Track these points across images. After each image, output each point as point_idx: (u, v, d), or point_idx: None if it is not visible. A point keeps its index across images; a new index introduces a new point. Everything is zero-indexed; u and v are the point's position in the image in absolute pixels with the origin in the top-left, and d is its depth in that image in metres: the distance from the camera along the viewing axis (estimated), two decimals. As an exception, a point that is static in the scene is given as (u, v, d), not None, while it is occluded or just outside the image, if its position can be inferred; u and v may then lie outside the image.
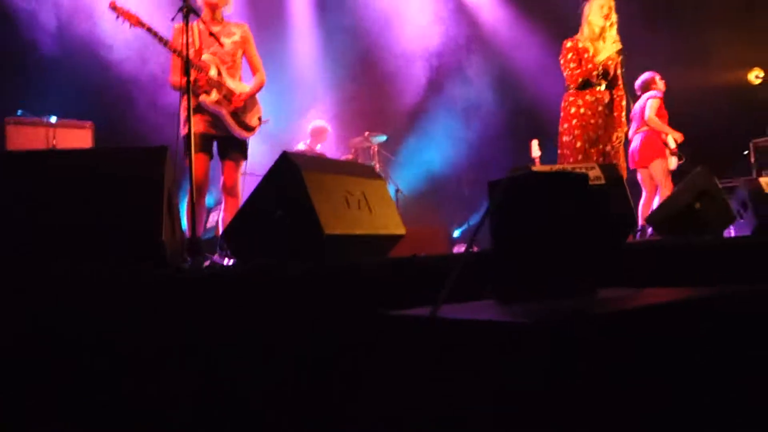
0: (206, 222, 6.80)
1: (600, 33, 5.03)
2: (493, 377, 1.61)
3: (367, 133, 8.05)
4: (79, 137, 5.71)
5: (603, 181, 3.92)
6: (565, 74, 5.14)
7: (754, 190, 4.90)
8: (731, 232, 4.97)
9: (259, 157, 8.12)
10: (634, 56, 6.57)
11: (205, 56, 4.55)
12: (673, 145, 6.60)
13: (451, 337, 1.83)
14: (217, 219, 6.92)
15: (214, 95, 4.50)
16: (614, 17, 5.03)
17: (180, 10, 3.79)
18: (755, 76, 6.70)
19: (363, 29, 9.38)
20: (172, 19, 3.90)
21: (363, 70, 9.33)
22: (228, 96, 4.57)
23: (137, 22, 4.17)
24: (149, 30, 4.20)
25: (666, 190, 6.36)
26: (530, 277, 2.25)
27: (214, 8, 4.61)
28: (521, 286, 2.26)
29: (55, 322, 2.10)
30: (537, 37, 8.96)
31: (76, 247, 2.38)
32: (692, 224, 4.26)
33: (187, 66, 3.70)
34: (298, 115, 9.13)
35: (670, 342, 1.75)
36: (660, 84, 6.89)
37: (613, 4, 5.03)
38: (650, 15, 7.84)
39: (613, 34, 5.01)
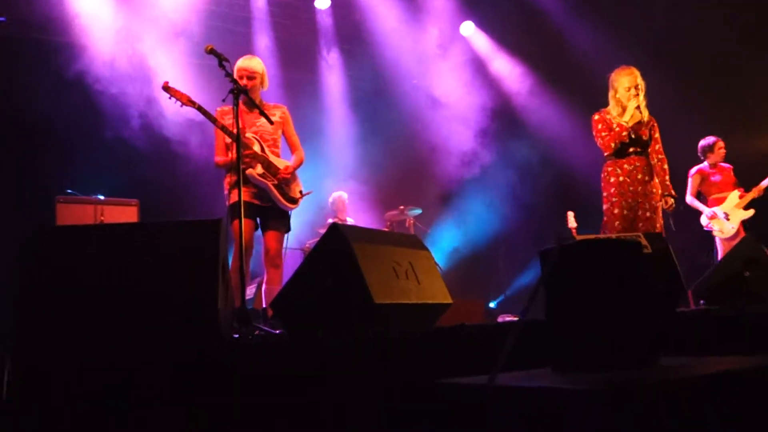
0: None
1: (622, 103, 5.14)
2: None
3: (402, 207, 8.14)
4: (125, 214, 5.86)
5: (649, 251, 3.91)
6: (599, 144, 5.24)
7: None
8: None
9: (295, 230, 8.28)
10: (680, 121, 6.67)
11: (248, 134, 4.72)
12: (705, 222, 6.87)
13: (511, 405, 1.81)
14: (255, 291, 6.97)
15: (259, 168, 4.66)
16: (642, 88, 5.13)
17: (231, 92, 3.96)
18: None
19: (396, 106, 9.60)
20: (223, 100, 4.06)
21: (399, 144, 9.50)
22: (272, 170, 4.74)
23: (188, 101, 4.39)
24: (200, 109, 4.39)
25: None
26: (585, 347, 2.23)
27: (252, 93, 4.74)
28: (576, 355, 2.24)
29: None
30: (568, 109, 9.10)
31: (138, 315, 2.43)
32: (742, 292, 4.20)
33: (238, 138, 3.83)
34: (332, 190, 9.29)
35: (729, 410, 1.71)
36: (717, 151, 6.98)
37: (639, 81, 5.14)
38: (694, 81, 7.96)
39: (639, 100, 5.10)
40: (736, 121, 7.62)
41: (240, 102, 4.49)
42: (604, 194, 5.21)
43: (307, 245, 7.76)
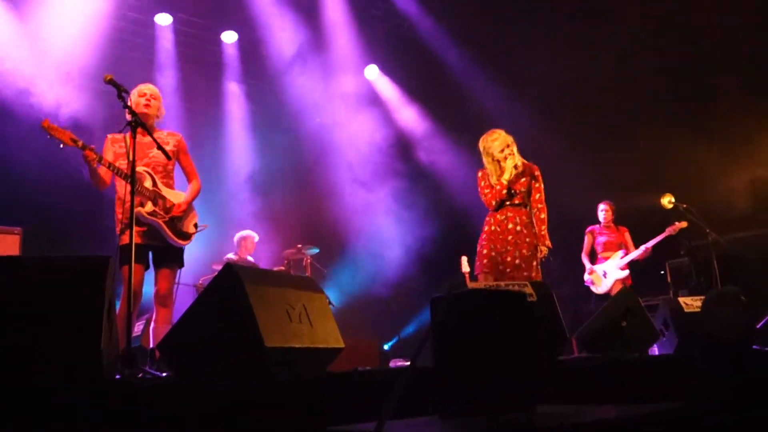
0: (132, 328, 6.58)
1: (500, 164, 5.40)
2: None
3: (300, 246, 8.10)
4: (5, 243, 5.52)
5: (535, 299, 4.07)
6: (482, 200, 5.50)
7: (675, 309, 5.14)
8: (655, 349, 5.16)
9: (189, 265, 8.07)
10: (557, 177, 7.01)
11: (138, 168, 4.45)
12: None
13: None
14: (143, 329, 6.72)
15: (149, 206, 4.47)
16: (512, 143, 5.43)
17: (129, 124, 3.83)
18: (668, 201, 7.17)
19: (298, 143, 9.63)
20: (120, 131, 3.93)
21: (298, 183, 9.51)
22: (163, 206, 4.57)
23: (70, 140, 4.11)
24: (84, 148, 4.13)
25: None
26: (471, 393, 2.29)
27: (146, 119, 4.58)
28: (461, 402, 2.30)
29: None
30: (464, 155, 9.43)
31: (14, 354, 2.30)
32: (619, 342, 4.42)
33: (132, 181, 3.69)
34: (231, 226, 9.16)
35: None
36: (598, 213, 7.63)
37: (509, 139, 5.45)
38: (571, 143, 8.38)
39: (515, 157, 5.37)
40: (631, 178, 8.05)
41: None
42: (480, 241, 5.44)
43: (200, 281, 7.58)
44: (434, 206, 9.45)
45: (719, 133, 7.59)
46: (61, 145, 4.09)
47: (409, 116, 10.01)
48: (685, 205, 7.15)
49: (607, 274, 7.33)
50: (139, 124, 3.83)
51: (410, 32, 9.15)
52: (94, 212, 6.51)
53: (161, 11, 8.56)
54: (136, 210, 4.27)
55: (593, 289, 7.43)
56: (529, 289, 4.04)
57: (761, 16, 7.28)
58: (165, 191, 4.62)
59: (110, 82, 3.78)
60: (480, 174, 5.56)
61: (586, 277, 7.49)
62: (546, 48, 8.18)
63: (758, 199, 7.57)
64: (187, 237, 4.71)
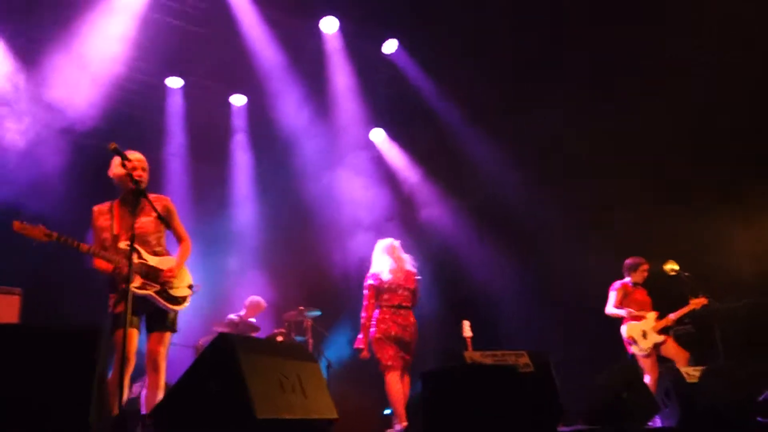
0: (130, 391, 6.54)
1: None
2: None
3: (301, 308, 8.07)
4: (6, 304, 5.54)
5: (532, 369, 4.03)
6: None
7: (677, 381, 5.08)
8: (657, 421, 5.08)
9: (189, 325, 8.06)
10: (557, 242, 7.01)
11: (121, 245, 4.40)
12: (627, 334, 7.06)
13: None
14: (140, 391, 6.67)
15: (138, 281, 4.41)
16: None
17: (134, 194, 3.86)
18: (670, 268, 7.15)
19: (304, 205, 9.71)
20: (116, 200, 3.88)
21: (300, 245, 9.54)
22: (152, 275, 4.51)
23: (44, 236, 4.06)
24: (60, 239, 4.10)
25: (648, 373, 6.70)
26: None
27: (143, 185, 4.48)
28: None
29: None
30: (463, 217, 9.52)
31: (4, 422, 2.29)
32: (620, 414, 4.36)
33: (130, 258, 3.72)
34: (233, 285, 9.17)
35: None
36: (639, 272, 7.31)
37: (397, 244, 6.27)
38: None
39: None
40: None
41: (120, 200, 4.41)
42: None
43: (200, 342, 7.56)
44: (436, 268, 9.44)
45: (718, 205, 7.62)
46: (35, 243, 4.04)
47: (413, 179, 10.11)
48: (687, 273, 7.11)
49: (646, 334, 6.95)
50: (140, 192, 3.87)
51: (414, 96, 9.31)
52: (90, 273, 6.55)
53: (172, 74, 8.77)
54: (124, 287, 4.24)
55: (633, 348, 6.95)
56: (525, 359, 4.01)
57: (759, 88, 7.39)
58: (153, 260, 4.55)
59: (114, 150, 3.82)
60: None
61: (626, 332, 7.04)
62: (549, 113, 8.31)
63: (761, 266, 7.55)
64: (181, 302, 4.64)
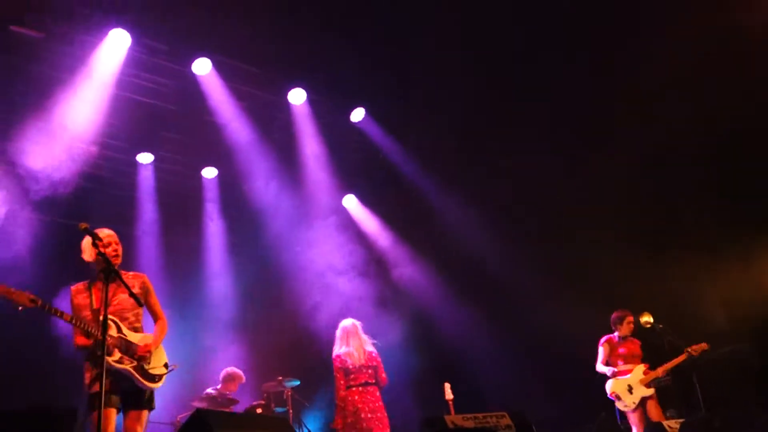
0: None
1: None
2: None
3: (280, 378, 7.97)
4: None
5: (514, 430, 4.03)
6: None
7: (658, 433, 5.08)
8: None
9: (166, 401, 7.89)
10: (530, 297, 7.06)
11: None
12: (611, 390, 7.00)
13: None
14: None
15: (116, 354, 4.37)
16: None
17: (102, 271, 3.85)
18: (645, 321, 7.20)
19: (278, 275, 9.69)
20: (93, 279, 3.89)
21: (276, 314, 9.49)
22: (130, 350, 4.47)
23: (29, 302, 3.99)
24: (44, 308, 4.04)
25: (635, 427, 6.76)
26: None
27: (116, 261, 4.50)
28: None
29: None
30: (440, 278, 9.56)
31: None
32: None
33: (104, 328, 3.68)
34: (210, 358, 9.04)
35: None
36: (625, 324, 7.23)
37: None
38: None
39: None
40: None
41: (97, 278, 4.38)
42: None
43: (178, 419, 7.39)
44: (414, 328, 9.43)
45: (689, 254, 7.75)
46: (20, 308, 3.95)
47: (387, 244, 10.17)
48: (661, 326, 7.16)
49: (632, 389, 6.89)
50: (113, 271, 3.86)
51: (384, 162, 9.47)
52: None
53: (142, 150, 8.80)
54: (106, 359, 4.20)
55: (618, 405, 6.89)
56: (506, 420, 4.01)
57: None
58: (131, 336, 4.53)
59: (85, 230, 3.82)
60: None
61: (610, 388, 6.99)
62: (517, 168, 8.49)
63: (732, 314, 7.67)
64: (157, 380, 4.57)
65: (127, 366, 4.36)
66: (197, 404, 7.36)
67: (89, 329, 4.22)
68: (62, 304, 4.44)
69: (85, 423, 3.71)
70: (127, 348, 4.44)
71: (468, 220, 9.15)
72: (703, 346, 6.91)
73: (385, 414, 6.56)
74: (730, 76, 7.21)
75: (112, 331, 4.41)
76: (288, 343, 9.27)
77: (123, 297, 4.47)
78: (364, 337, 6.86)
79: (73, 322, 4.23)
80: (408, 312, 9.46)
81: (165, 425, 7.44)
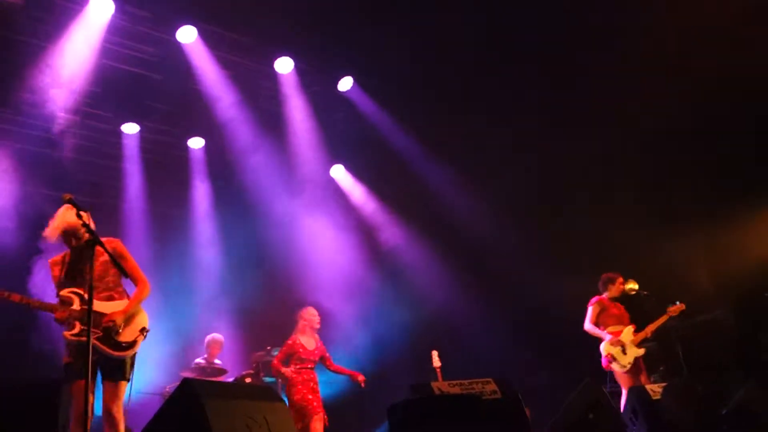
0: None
1: None
2: None
3: (269, 347, 8.01)
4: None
5: (499, 395, 4.07)
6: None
7: (643, 398, 5.16)
8: (625, 440, 5.13)
9: (156, 372, 7.93)
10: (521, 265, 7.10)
11: (62, 293, 4.39)
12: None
13: None
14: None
15: (76, 328, 4.29)
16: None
17: (88, 243, 3.85)
18: (630, 288, 7.26)
19: (267, 245, 9.68)
20: (91, 242, 3.82)
21: (266, 284, 9.49)
22: (95, 322, 4.32)
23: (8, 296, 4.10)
24: (8, 298, 4.13)
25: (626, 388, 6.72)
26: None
27: (72, 239, 4.47)
28: None
29: None
30: (433, 254, 9.57)
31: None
32: (587, 435, 4.41)
33: (89, 301, 3.65)
34: (199, 329, 9.05)
35: None
36: (617, 286, 7.31)
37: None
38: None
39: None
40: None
41: (69, 250, 4.39)
42: None
43: (167, 389, 7.42)
44: (403, 297, 9.48)
45: (679, 226, 7.80)
46: None
47: (377, 215, 10.18)
48: (646, 292, 7.24)
49: (625, 349, 6.93)
50: (97, 242, 3.82)
51: (372, 131, 9.41)
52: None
53: (128, 121, 8.71)
54: (64, 333, 4.22)
55: (614, 366, 6.95)
56: (492, 386, 4.05)
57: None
58: (101, 306, 4.43)
59: (69, 201, 3.79)
60: None
61: (605, 350, 7.01)
62: (509, 143, 8.47)
63: (717, 282, 7.75)
64: (125, 347, 4.45)
65: (91, 338, 3.98)
66: (187, 374, 7.39)
67: (43, 307, 4.27)
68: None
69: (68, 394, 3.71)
70: (93, 319, 4.10)
71: (455, 188, 9.16)
72: (681, 306, 7.01)
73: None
74: (726, 53, 7.16)
75: (74, 305, 4.34)
76: (276, 313, 9.30)
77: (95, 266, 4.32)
78: (317, 325, 7.20)
79: (23, 303, 4.22)
80: (395, 279, 9.51)
81: (154, 395, 7.48)
